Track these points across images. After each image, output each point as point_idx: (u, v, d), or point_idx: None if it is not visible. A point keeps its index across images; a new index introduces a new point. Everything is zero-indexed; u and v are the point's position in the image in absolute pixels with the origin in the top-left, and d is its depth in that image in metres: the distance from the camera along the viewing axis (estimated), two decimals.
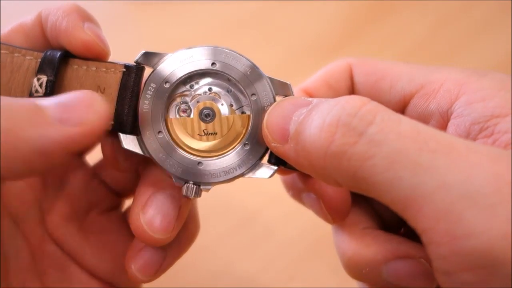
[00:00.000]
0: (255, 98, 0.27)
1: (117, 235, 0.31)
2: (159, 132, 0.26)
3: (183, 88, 0.27)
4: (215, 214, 0.45)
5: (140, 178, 0.28)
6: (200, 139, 0.27)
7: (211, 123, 0.27)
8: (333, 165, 0.22)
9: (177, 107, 0.27)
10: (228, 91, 0.27)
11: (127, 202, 0.34)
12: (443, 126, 0.27)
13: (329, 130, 0.22)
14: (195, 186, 0.26)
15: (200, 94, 0.27)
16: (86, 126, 0.23)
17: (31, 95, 0.26)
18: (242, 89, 0.27)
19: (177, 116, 0.27)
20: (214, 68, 0.27)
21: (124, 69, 0.26)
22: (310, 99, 0.25)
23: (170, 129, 0.27)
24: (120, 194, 0.32)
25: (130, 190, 0.32)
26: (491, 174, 0.20)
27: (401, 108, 0.29)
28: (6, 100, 0.22)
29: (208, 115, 0.27)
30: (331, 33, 0.59)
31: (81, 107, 0.23)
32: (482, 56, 0.56)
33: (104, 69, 0.27)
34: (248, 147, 0.27)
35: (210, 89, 0.27)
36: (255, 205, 0.45)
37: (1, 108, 0.21)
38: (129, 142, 0.26)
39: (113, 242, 0.31)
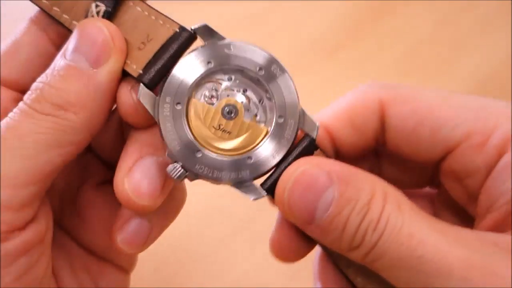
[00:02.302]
0: (280, 121, 0.26)
1: (110, 210, 0.30)
2: (178, 103, 0.25)
3: (222, 76, 0.26)
4: (215, 213, 0.45)
5: (127, 142, 0.27)
6: (213, 132, 0.26)
7: (230, 122, 0.26)
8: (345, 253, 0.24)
9: (206, 90, 0.26)
10: (260, 101, 0.26)
11: None
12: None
13: (349, 234, 0.23)
14: (182, 170, 0.25)
15: (233, 90, 0.26)
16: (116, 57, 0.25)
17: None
18: (274, 109, 0.26)
19: (202, 99, 0.26)
20: (261, 79, 0.26)
21: (178, 30, 0.26)
22: (332, 173, 0.24)
23: (189, 108, 0.26)
24: (113, 166, 0.30)
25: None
26: None
27: (443, 156, 0.27)
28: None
29: (230, 112, 0.26)
30: (331, 32, 0.59)
31: (99, 44, 0.25)
32: (482, 56, 0.56)
33: (161, 22, 0.26)
34: (250, 161, 0.26)
35: (245, 91, 0.26)
36: (256, 205, 0.45)
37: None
38: (145, 96, 0.25)
39: (106, 217, 0.30)
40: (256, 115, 0.26)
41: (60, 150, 0.25)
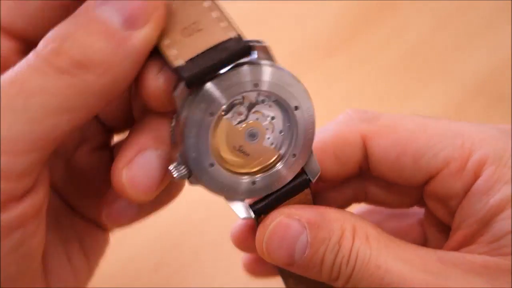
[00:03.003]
0: (292, 160, 0.26)
1: (104, 176, 0.28)
2: (211, 114, 0.23)
3: (258, 97, 0.25)
4: (216, 212, 0.45)
5: (133, 128, 0.25)
6: (231, 152, 0.25)
7: (250, 145, 0.25)
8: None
9: (239, 107, 0.25)
10: (281, 132, 0.26)
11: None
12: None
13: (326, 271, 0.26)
14: (186, 172, 0.24)
15: (263, 115, 0.25)
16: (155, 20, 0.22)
17: None
18: (292, 145, 0.26)
19: (231, 115, 0.25)
20: (293, 113, 0.25)
21: (234, 36, 0.23)
22: (303, 219, 0.26)
23: (218, 122, 0.24)
24: (112, 130, 0.29)
25: (123, 126, 0.29)
26: None
27: (426, 181, 0.29)
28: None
29: (254, 135, 0.25)
30: (331, 32, 0.59)
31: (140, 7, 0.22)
32: (482, 56, 0.56)
33: (224, 24, 0.23)
34: (252, 186, 0.26)
35: (272, 118, 0.26)
36: None
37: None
38: (181, 93, 0.23)
39: (98, 183, 0.29)
40: (273, 144, 0.26)
41: (70, 115, 0.22)
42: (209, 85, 0.23)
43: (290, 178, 0.26)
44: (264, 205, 0.26)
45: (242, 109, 0.25)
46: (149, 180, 0.24)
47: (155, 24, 0.22)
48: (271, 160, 0.26)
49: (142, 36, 0.22)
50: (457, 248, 0.27)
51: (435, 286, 0.25)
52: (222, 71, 0.23)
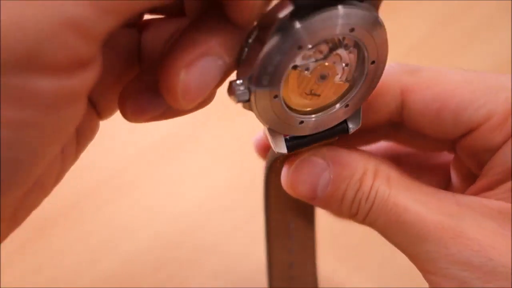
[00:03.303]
0: (345, 109, 0.26)
1: (126, 57, 0.25)
2: (300, 47, 0.22)
3: (341, 40, 0.24)
4: (216, 212, 0.45)
5: (199, 25, 0.23)
6: (303, 96, 0.25)
7: (321, 85, 0.25)
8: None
9: (321, 46, 0.23)
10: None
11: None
12: None
13: (346, 207, 0.28)
14: (247, 95, 0.23)
15: (340, 58, 0.24)
16: None
17: None
18: (350, 97, 0.26)
19: (299, 67, 0.23)
20: (368, 67, 0.25)
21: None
22: (328, 157, 0.27)
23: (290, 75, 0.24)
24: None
25: (171, 8, 0.26)
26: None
27: (463, 135, 0.29)
28: None
29: (324, 77, 0.25)
30: None
31: None
32: (482, 56, 0.56)
33: None
34: (301, 125, 0.25)
35: (346, 65, 0.25)
36: (256, 204, 0.45)
37: None
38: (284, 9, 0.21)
39: (119, 64, 0.25)
40: (347, 64, 0.25)
41: None
42: (311, 19, 0.22)
43: (330, 126, 0.26)
44: (297, 143, 0.27)
45: (325, 47, 0.24)
46: (203, 90, 0.22)
47: None
48: (324, 105, 0.26)
49: None
50: (478, 193, 0.28)
51: (449, 227, 0.26)
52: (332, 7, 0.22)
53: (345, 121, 0.27)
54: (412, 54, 0.56)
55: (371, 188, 0.27)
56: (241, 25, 0.22)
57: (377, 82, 0.26)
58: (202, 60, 0.21)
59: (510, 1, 0.58)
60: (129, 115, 0.24)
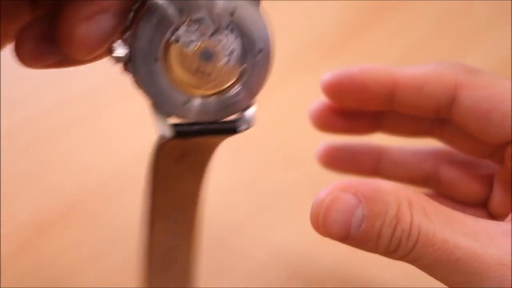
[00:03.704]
0: (234, 99, 0.26)
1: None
2: (180, 10, 0.24)
3: (227, 24, 0.25)
4: (216, 212, 0.45)
5: None
6: (194, 76, 0.25)
7: (209, 64, 0.25)
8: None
9: (205, 24, 0.24)
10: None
11: None
12: None
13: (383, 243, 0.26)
14: (127, 56, 0.24)
15: (226, 41, 0.25)
16: None
17: None
18: (239, 87, 0.26)
19: (180, 42, 0.24)
20: (255, 55, 0.25)
21: None
22: (358, 193, 0.26)
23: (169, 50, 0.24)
24: None
25: None
26: None
27: (507, 143, 0.28)
28: None
29: (208, 55, 0.25)
30: (331, 32, 0.59)
31: None
32: (482, 56, 0.56)
33: None
34: (186, 106, 0.25)
35: (232, 51, 0.25)
36: (257, 203, 0.45)
37: None
38: None
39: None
40: (233, 50, 0.25)
41: None
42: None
43: (222, 118, 0.26)
44: (187, 130, 0.25)
45: (210, 28, 0.24)
46: (99, 43, 0.24)
47: None
48: (211, 91, 0.25)
49: None
50: None
51: (508, 262, 0.24)
52: None
53: (236, 121, 0.26)
54: (412, 54, 0.56)
55: (411, 224, 0.25)
56: None
57: (267, 73, 0.25)
58: (100, 15, 0.23)
59: (510, 1, 0.58)
60: (25, 60, 0.25)
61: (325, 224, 0.26)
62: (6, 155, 0.47)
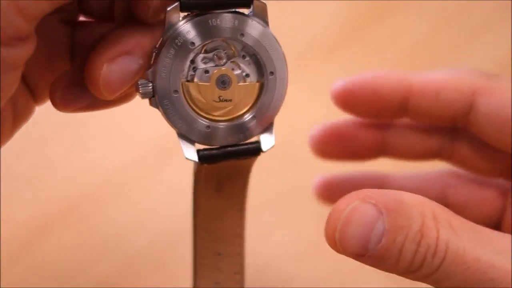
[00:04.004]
0: (252, 122, 0.27)
1: (60, 51, 0.29)
2: (192, 43, 0.26)
3: (238, 51, 0.26)
4: None
5: (122, 28, 0.27)
6: (217, 105, 0.26)
7: (227, 91, 0.26)
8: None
9: (219, 52, 0.26)
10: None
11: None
12: None
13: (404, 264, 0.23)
14: (151, 91, 0.26)
15: (239, 67, 0.27)
16: None
17: None
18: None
19: (195, 80, 0.26)
20: (267, 78, 0.26)
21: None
22: (380, 204, 0.24)
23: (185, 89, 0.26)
24: (83, 8, 0.30)
25: (95, 13, 0.29)
26: None
27: None
28: None
29: (224, 83, 0.26)
30: (331, 32, 0.59)
31: None
32: (482, 56, 0.56)
33: None
34: (208, 131, 0.26)
35: (247, 75, 0.27)
36: (256, 204, 0.45)
37: None
38: (173, 12, 0.25)
39: (54, 56, 0.29)
40: (248, 75, 0.27)
41: None
42: (199, 18, 0.25)
43: (242, 140, 0.27)
44: (210, 154, 0.27)
45: (223, 54, 0.26)
46: (122, 83, 0.25)
47: None
48: (233, 116, 0.27)
49: None
50: None
51: None
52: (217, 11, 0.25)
53: (259, 141, 0.27)
54: (412, 54, 0.56)
55: (437, 240, 0.23)
56: (146, 21, 0.26)
57: (282, 95, 0.27)
58: (123, 58, 0.25)
59: (510, 1, 0.58)
60: (58, 104, 0.27)
61: (342, 238, 0.24)
62: (6, 155, 0.47)
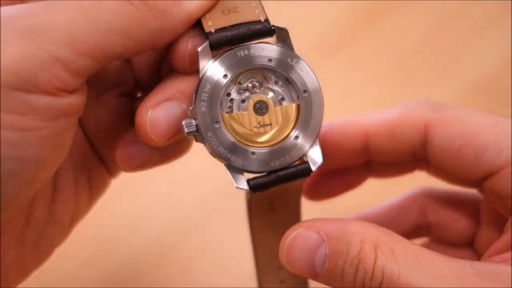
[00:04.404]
0: (295, 141, 0.27)
1: (123, 121, 0.31)
2: (225, 76, 0.27)
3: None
4: (216, 212, 0.45)
5: (163, 79, 0.29)
6: (258, 131, 0.27)
7: (266, 115, 0.27)
8: None
9: (253, 81, 0.28)
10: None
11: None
12: None
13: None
14: (195, 128, 0.27)
15: (273, 91, 0.28)
16: None
17: None
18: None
19: (234, 111, 0.27)
20: (302, 96, 0.27)
21: (262, 19, 0.28)
22: (322, 232, 0.26)
23: (226, 123, 0.27)
24: (139, 85, 0.32)
25: (149, 84, 0.32)
26: None
27: (485, 177, 0.29)
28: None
29: (261, 108, 0.27)
30: (330, 33, 0.59)
31: None
32: (482, 56, 0.56)
33: (254, 5, 0.28)
34: (254, 157, 0.27)
35: (282, 99, 0.28)
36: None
37: None
38: (204, 53, 0.27)
39: (118, 126, 0.31)
40: (283, 98, 0.28)
41: (126, 40, 0.26)
42: (228, 53, 0.27)
43: (289, 162, 0.28)
44: (261, 183, 0.27)
45: (256, 83, 0.28)
46: (168, 126, 0.27)
47: (205, 3, 0.27)
48: (278, 140, 0.28)
49: (197, 3, 0.27)
50: (505, 250, 0.27)
51: None
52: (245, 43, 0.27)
53: (305, 163, 0.28)
54: (411, 54, 0.56)
55: (374, 265, 0.25)
56: (186, 71, 0.28)
57: (320, 111, 0.28)
58: (166, 103, 0.27)
59: (510, 1, 0.58)
60: (119, 162, 0.29)
61: (288, 260, 0.26)
62: None
